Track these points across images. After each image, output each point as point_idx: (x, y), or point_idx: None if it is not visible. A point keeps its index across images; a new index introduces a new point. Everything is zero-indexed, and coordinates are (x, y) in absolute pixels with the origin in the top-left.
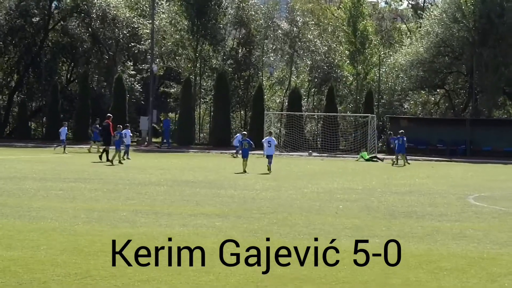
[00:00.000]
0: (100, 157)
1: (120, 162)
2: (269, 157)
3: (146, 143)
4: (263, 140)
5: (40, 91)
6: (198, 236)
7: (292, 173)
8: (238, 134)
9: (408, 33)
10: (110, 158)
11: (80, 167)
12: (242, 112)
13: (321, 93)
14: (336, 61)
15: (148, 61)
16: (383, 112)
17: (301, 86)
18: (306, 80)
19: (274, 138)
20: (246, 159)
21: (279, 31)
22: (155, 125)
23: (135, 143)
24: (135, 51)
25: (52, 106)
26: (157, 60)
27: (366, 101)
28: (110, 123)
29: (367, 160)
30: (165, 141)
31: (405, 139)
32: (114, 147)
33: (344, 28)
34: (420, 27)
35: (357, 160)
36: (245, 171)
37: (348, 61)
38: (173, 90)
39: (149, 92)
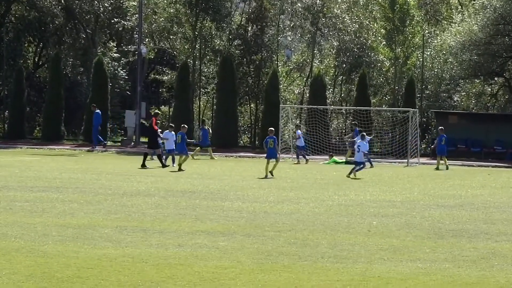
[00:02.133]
0: (163, 165)
1: (180, 168)
2: (358, 163)
3: (133, 143)
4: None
5: (1, 78)
6: (197, 258)
7: (315, 181)
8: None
9: (459, 7)
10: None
11: (50, 173)
12: (252, 105)
13: (350, 82)
14: (369, 42)
15: (135, 41)
16: (427, 105)
17: (325, 73)
18: (332, 65)
19: (368, 137)
20: (273, 161)
21: (299, 5)
22: (144, 121)
23: (119, 144)
24: (119, 29)
25: (16, 97)
26: (147, 40)
27: (407, 92)
28: (156, 121)
29: (336, 163)
30: (103, 142)
31: (445, 137)
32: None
33: (380, 1)
34: (474, 0)
35: (327, 163)
36: (271, 175)
37: (384, 42)
38: (166, 77)
39: (136, 80)
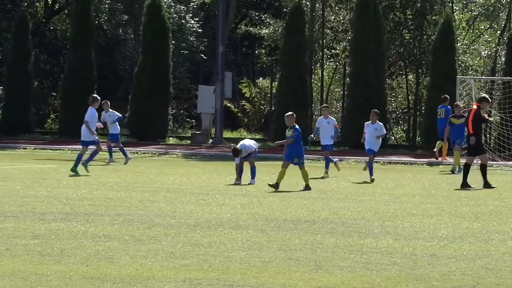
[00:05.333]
0: (487, 183)
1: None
2: None
3: (211, 140)
4: None
5: None
6: None
7: None
8: None
9: None
10: None
11: (74, 190)
12: (410, 76)
13: None
14: None
15: None
16: None
17: None
18: None
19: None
20: None
21: None
22: (229, 104)
23: (187, 141)
24: None
25: (16, 64)
26: None
27: None
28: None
29: None
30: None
31: None
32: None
33: None
34: None
35: None
36: None
37: None
38: (266, 31)
39: (216, 35)
